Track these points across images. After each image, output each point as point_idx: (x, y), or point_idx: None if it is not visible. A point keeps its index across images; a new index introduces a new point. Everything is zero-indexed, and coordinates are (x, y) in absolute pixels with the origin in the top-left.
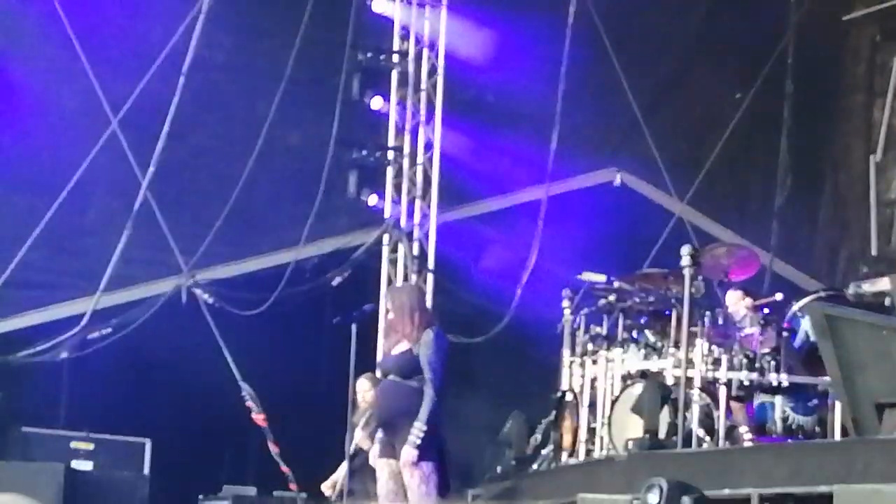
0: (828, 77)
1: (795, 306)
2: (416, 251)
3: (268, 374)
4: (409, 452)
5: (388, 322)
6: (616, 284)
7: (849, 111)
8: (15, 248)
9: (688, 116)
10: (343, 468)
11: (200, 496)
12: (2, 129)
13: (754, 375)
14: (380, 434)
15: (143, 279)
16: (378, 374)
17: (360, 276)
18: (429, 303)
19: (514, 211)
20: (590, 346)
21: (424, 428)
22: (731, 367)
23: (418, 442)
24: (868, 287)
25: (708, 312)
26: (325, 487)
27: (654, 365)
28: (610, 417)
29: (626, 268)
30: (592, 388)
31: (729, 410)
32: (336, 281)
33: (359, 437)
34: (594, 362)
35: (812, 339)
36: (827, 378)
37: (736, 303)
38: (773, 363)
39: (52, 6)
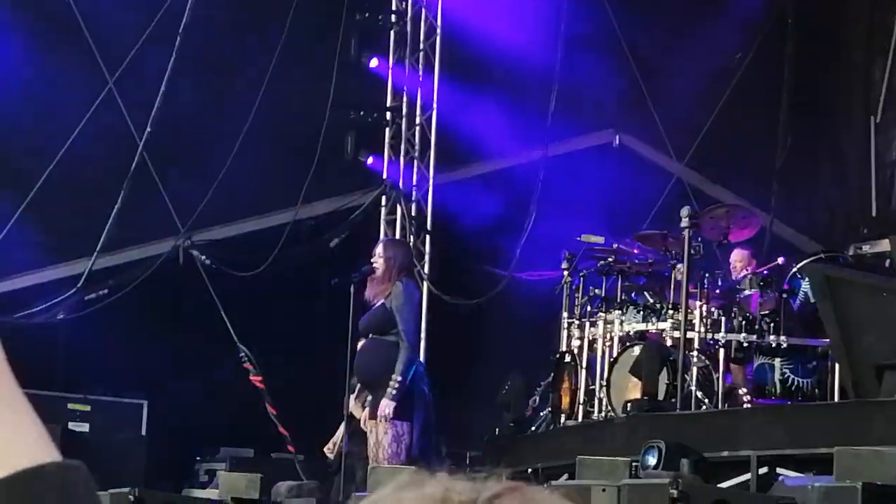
0: (828, 36)
1: (795, 268)
2: (414, 212)
3: (265, 336)
4: (385, 405)
5: (375, 275)
6: (615, 246)
7: (849, 71)
8: (11, 208)
9: (687, 77)
10: (342, 430)
11: (198, 458)
12: (2, 89)
13: (753, 337)
14: (368, 397)
15: (139, 240)
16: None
17: (357, 238)
18: (426, 264)
19: (513, 172)
20: (588, 308)
21: (400, 379)
22: (730, 329)
23: (394, 393)
24: (868, 248)
25: (707, 274)
26: (326, 449)
27: (652, 327)
28: (608, 379)
29: (625, 229)
30: (591, 349)
31: (728, 372)
32: (334, 242)
33: (352, 406)
34: (593, 324)
35: (812, 300)
36: (826, 340)
37: (741, 261)
38: (772, 325)
39: None
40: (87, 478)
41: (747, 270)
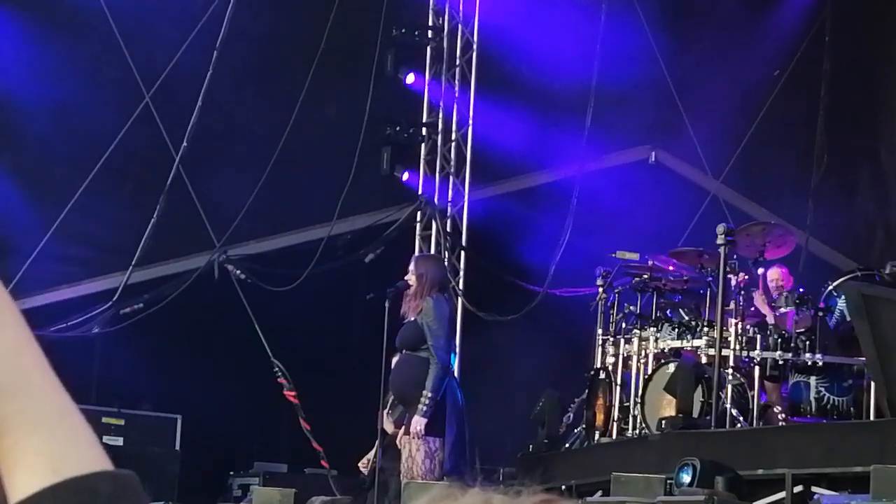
0: (865, 53)
1: (832, 286)
2: (449, 228)
3: (300, 351)
4: (416, 421)
5: (409, 291)
6: (650, 263)
7: (886, 87)
8: (48, 222)
9: (723, 93)
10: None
11: (231, 473)
12: (40, 102)
13: (789, 355)
14: (401, 412)
15: (175, 254)
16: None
17: (393, 253)
18: (461, 280)
19: (548, 188)
20: (623, 325)
21: (430, 395)
22: (765, 347)
23: (425, 409)
24: None
25: (742, 291)
26: (361, 465)
27: (687, 344)
28: (643, 396)
29: (660, 246)
30: (626, 366)
31: (763, 390)
32: (369, 258)
33: (385, 421)
34: (627, 341)
35: (848, 318)
36: (862, 358)
37: (778, 279)
38: (808, 343)
39: None
40: (138, 488)
41: (781, 288)
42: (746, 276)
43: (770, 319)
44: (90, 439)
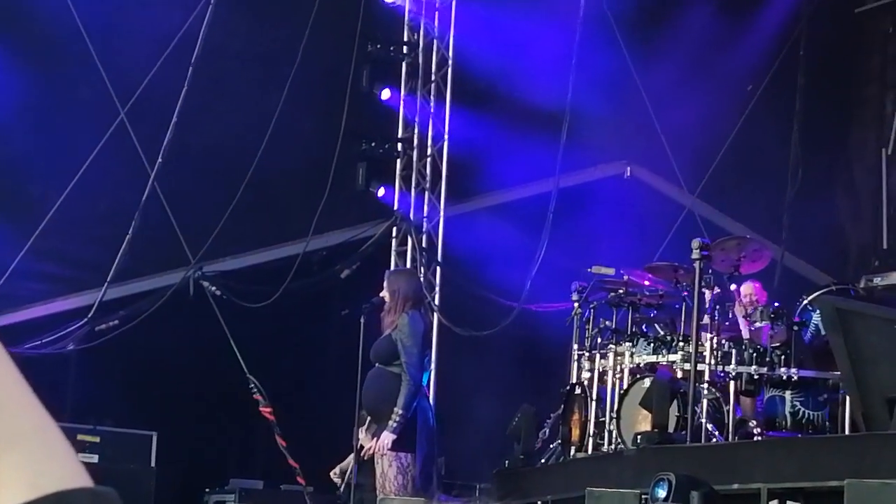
0: (840, 69)
1: (806, 300)
2: (424, 244)
3: (275, 367)
4: (385, 437)
5: (385, 307)
6: (625, 278)
7: (861, 104)
8: (22, 239)
9: (699, 109)
10: (351, 458)
11: (207, 489)
12: (15, 119)
13: (764, 369)
14: (374, 428)
15: (150, 271)
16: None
17: (368, 269)
18: (437, 296)
19: (524, 203)
20: (599, 340)
21: (401, 412)
22: (740, 361)
23: (395, 426)
24: (879, 280)
25: (718, 306)
26: (333, 474)
27: (663, 359)
28: (619, 411)
29: (635, 261)
30: (601, 381)
31: (738, 405)
32: (345, 273)
33: (361, 437)
34: (603, 356)
35: (823, 333)
36: (837, 372)
37: (751, 294)
38: (783, 357)
39: None
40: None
41: (758, 303)
42: (719, 290)
43: (745, 334)
44: (69, 455)
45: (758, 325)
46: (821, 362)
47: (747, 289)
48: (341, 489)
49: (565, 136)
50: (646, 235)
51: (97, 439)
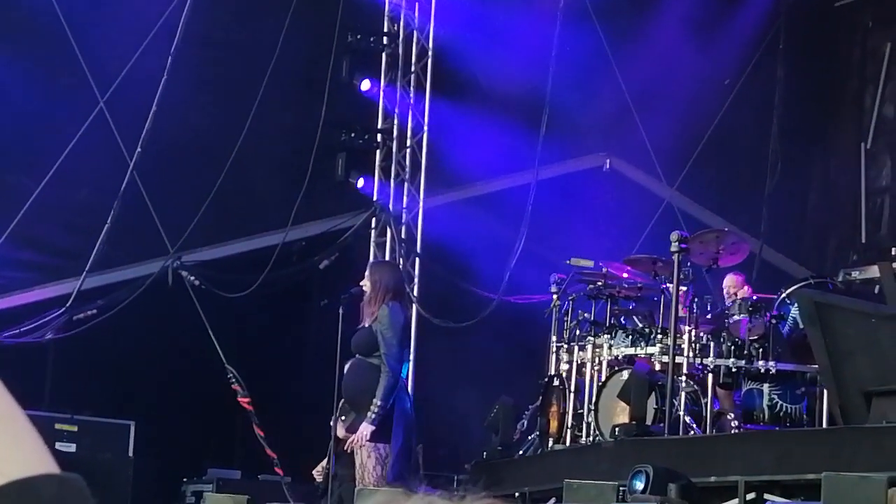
0: (819, 63)
1: (784, 293)
2: (403, 234)
3: (254, 358)
4: (364, 428)
5: (365, 298)
6: (604, 270)
7: (840, 97)
8: (2, 226)
9: (677, 101)
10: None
11: (185, 479)
12: None
13: (742, 362)
14: (353, 418)
15: (129, 260)
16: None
17: (347, 260)
18: (415, 286)
19: (503, 195)
20: (577, 332)
21: (380, 403)
22: (718, 354)
23: (374, 417)
24: (857, 274)
25: (696, 299)
26: (315, 472)
27: (641, 351)
28: (597, 403)
29: (614, 253)
30: (579, 373)
31: (716, 397)
32: (323, 264)
33: (339, 429)
34: (581, 348)
35: (800, 326)
36: (815, 366)
37: (734, 286)
38: (761, 350)
39: None
40: (84, 491)
41: (740, 295)
42: (690, 283)
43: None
44: (35, 442)
45: (736, 318)
46: (798, 356)
47: (728, 281)
48: (320, 480)
49: (545, 127)
50: (625, 228)
51: (75, 428)
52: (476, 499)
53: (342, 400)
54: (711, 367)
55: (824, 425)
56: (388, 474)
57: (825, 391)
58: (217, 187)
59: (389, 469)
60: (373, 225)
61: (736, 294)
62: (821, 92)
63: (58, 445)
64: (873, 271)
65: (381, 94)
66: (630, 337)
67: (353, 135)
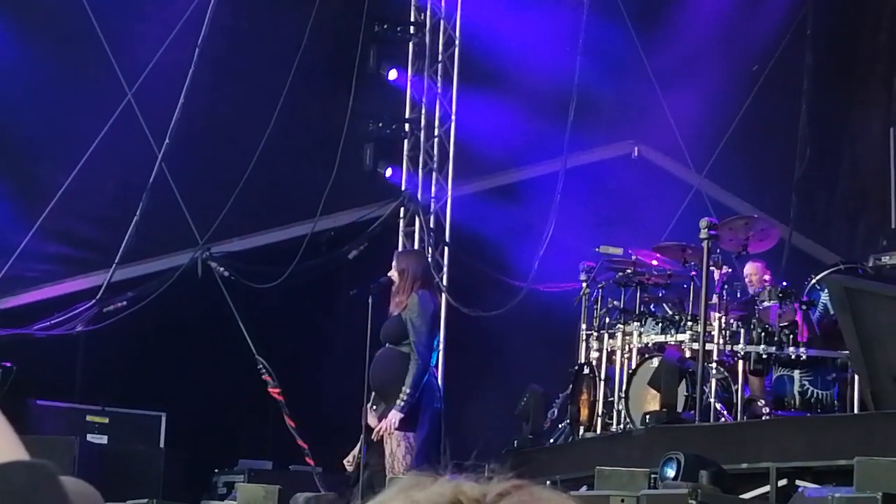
0: (847, 48)
1: (814, 279)
2: (432, 224)
3: (283, 348)
4: (393, 416)
5: (393, 287)
6: (633, 257)
7: (868, 82)
8: (30, 220)
9: (706, 88)
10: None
11: (216, 470)
12: (23, 101)
13: (772, 349)
14: (384, 408)
15: (158, 252)
16: None
17: (376, 249)
18: (444, 276)
19: (532, 183)
20: (607, 320)
21: (409, 391)
22: (748, 341)
23: (403, 405)
24: (887, 259)
25: (726, 285)
26: (346, 462)
27: (671, 338)
28: (627, 391)
29: (643, 241)
30: (609, 361)
31: (746, 384)
32: (352, 254)
33: (370, 417)
34: (611, 336)
35: (831, 311)
36: (846, 351)
37: (755, 273)
38: (791, 336)
39: None
40: (54, 477)
41: (764, 282)
42: (730, 270)
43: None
44: (4, 430)
45: (766, 304)
46: (829, 341)
47: (749, 268)
48: (351, 470)
49: (573, 115)
50: (654, 215)
51: (106, 420)
52: (503, 479)
53: (372, 390)
54: (742, 353)
55: (855, 411)
56: (412, 461)
57: (856, 377)
58: (246, 178)
59: (415, 456)
60: (401, 214)
61: (756, 281)
62: (849, 77)
63: (89, 437)
64: None
65: (409, 83)
66: (660, 324)
67: (380, 124)
